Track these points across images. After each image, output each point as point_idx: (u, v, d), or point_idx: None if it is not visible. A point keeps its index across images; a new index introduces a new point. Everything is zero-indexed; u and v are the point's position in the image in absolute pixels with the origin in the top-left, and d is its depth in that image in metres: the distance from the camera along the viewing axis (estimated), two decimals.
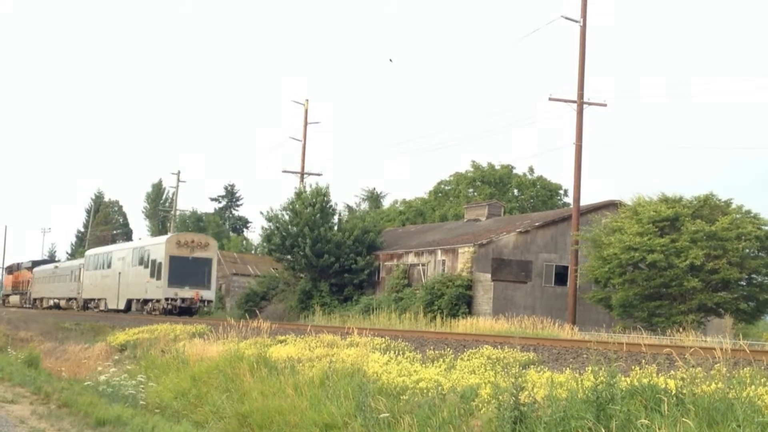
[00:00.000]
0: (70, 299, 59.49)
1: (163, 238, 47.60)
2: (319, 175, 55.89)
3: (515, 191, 65.38)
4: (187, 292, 43.62)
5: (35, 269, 70.98)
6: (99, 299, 53.17)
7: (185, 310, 43.40)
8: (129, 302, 48.69)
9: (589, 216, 38.76)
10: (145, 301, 46.63)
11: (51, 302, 63.47)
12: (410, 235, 51.56)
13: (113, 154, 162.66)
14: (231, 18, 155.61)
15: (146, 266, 46.35)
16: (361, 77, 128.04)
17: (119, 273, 50.05)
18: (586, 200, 40.92)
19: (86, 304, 55.47)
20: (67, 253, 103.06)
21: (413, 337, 20.97)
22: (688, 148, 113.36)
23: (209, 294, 44.94)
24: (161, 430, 12.66)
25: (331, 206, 49.06)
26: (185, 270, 43.93)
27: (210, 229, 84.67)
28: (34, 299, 68.96)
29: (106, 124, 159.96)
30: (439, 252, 42.35)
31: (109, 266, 52.28)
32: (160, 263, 44.33)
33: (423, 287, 40.39)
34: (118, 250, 53.00)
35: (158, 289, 44.40)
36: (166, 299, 43.70)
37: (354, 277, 46.59)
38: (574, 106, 37.06)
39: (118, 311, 48.68)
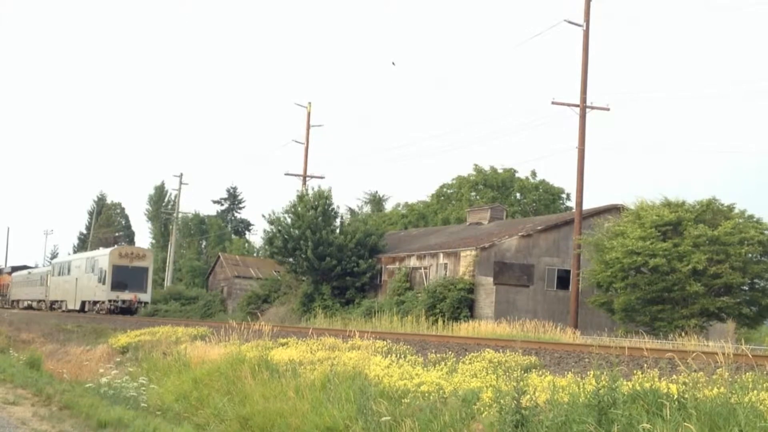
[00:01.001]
0: (39, 301, 67.46)
1: (107, 250, 56.89)
2: (321, 178, 55.87)
3: (518, 195, 65.31)
4: (127, 295, 52.88)
5: (14, 274, 79.62)
6: (61, 301, 61.57)
7: (125, 310, 52.10)
8: (83, 303, 56.81)
9: (591, 220, 38.71)
10: (95, 302, 55.13)
11: (25, 303, 71.15)
12: (412, 239, 51.56)
13: (116, 157, 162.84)
14: (233, 21, 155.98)
15: (95, 273, 55.51)
16: (364, 80, 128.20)
17: (76, 279, 58.70)
18: (588, 204, 40.91)
19: (52, 305, 63.67)
20: (68, 254, 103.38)
21: (415, 341, 20.97)
22: (691, 153, 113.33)
23: (145, 296, 54.13)
24: None
25: (333, 209, 49.06)
26: (125, 277, 53.21)
27: (212, 232, 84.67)
28: (12, 300, 76.87)
29: (108, 126, 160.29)
30: (441, 255, 42.34)
31: (68, 273, 61.06)
32: (105, 271, 53.56)
33: (425, 290, 40.37)
34: (76, 260, 61.98)
35: (103, 292, 53.61)
36: (109, 301, 52.91)
37: (356, 280, 46.57)
38: (577, 109, 37.06)
39: (77, 311, 56.24)
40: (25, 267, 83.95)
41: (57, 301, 62.77)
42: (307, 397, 13.77)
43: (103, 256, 55.27)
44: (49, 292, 64.85)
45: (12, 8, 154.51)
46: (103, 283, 53.69)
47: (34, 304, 68.25)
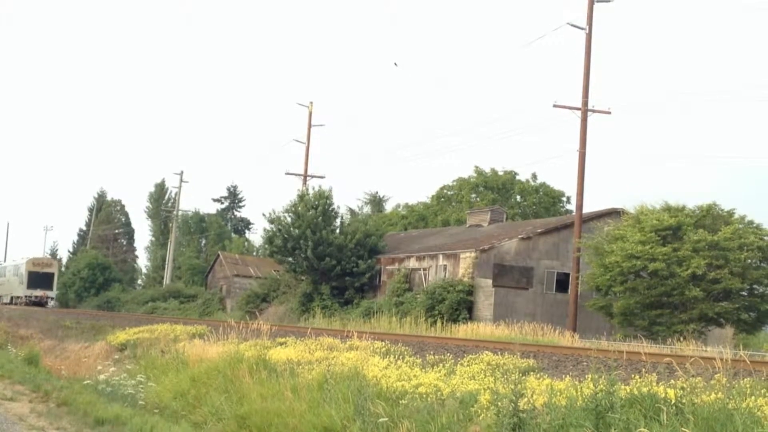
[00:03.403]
0: None
1: (25, 260, 75.12)
2: (322, 177, 55.82)
3: (518, 197, 65.30)
4: (38, 293, 70.39)
5: None
6: (1, 296, 78.94)
7: (38, 303, 68.39)
8: (12, 298, 74.21)
9: (591, 223, 38.68)
10: (18, 297, 72.84)
11: None
12: (412, 240, 51.55)
13: (116, 154, 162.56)
14: (236, 19, 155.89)
15: (18, 276, 73.96)
16: (366, 81, 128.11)
17: (8, 280, 77.41)
18: (588, 207, 40.89)
19: None
20: (68, 251, 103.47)
21: (413, 342, 20.97)
22: (692, 157, 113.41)
23: (52, 294, 71.91)
24: (160, 430, 12.67)
25: (333, 209, 49.02)
26: (37, 279, 70.71)
27: (212, 230, 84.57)
28: None
29: (109, 123, 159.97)
30: (440, 257, 42.34)
31: (4, 276, 79.71)
32: (23, 274, 71.73)
33: (424, 292, 40.36)
34: (8, 266, 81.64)
35: (22, 290, 71.81)
36: (26, 296, 70.66)
37: (355, 280, 46.56)
38: (579, 113, 37.03)
39: (8, 303, 71.97)
40: None
41: None
42: (304, 397, 13.77)
43: (22, 264, 73.61)
44: None
45: (12, 7, 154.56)
46: (22, 284, 71.51)
47: None
